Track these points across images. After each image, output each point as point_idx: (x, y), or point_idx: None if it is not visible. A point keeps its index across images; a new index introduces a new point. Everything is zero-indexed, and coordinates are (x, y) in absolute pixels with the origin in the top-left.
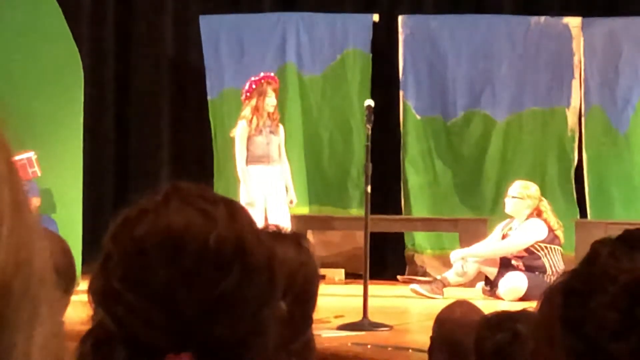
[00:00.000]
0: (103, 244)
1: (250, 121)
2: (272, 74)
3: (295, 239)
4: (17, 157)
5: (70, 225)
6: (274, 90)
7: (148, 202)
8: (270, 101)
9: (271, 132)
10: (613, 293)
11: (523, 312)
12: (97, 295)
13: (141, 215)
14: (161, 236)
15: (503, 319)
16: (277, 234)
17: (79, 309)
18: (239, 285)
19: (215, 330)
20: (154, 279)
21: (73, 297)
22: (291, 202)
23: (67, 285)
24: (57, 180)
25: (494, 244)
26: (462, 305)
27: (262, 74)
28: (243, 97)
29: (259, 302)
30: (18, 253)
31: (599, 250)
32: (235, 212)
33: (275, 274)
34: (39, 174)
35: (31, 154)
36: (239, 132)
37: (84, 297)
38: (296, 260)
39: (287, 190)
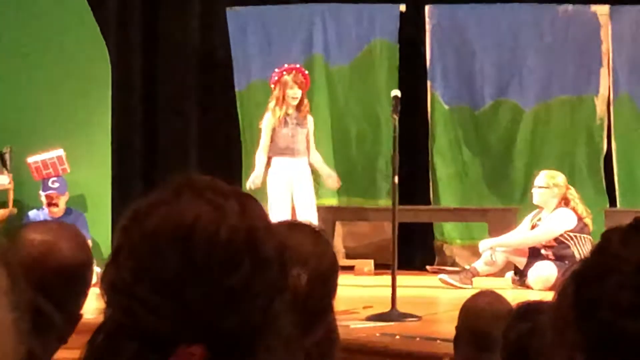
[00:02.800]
0: (114, 236)
1: (274, 111)
2: (298, 65)
3: (312, 228)
4: (47, 155)
5: (99, 220)
6: (296, 82)
7: (159, 195)
8: (292, 92)
9: (297, 124)
10: (625, 272)
11: (549, 303)
12: (109, 287)
13: (152, 208)
14: (172, 229)
15: (529, 309)
16: (293, 225)
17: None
18: (249, 277)
19: (226, 322)
20: (165, 272)
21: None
22: (338, 182)
23: (82, 278)
24: (86, 176)
25: (523, 234)
26: (487, 295)
27: (286, 65)
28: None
29: (270, 294)
30: None
31: (610, 238)
32: (246, 204)
33: (287, 267)
34: (69, 171)
35: (61, 152)
36: (264, 122)
37: None
38: (313, 250)
39: (326, 178)
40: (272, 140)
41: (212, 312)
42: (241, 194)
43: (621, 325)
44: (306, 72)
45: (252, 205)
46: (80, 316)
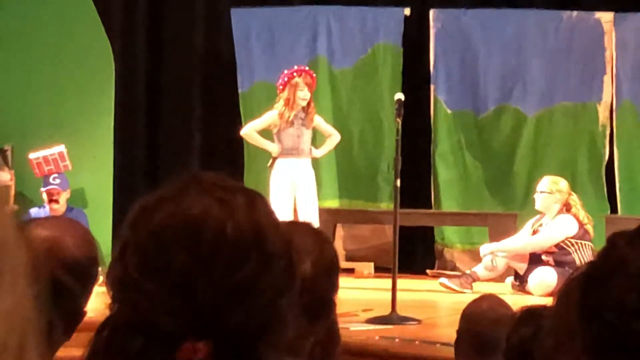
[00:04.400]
0: (121, 232)
1: (282, 114)
2: (306, 67)
3: (312, 227)
4: (49, 151)
5: (100, 218)
6: (307, 84)
7: (166, 191)
8: (302, 94)
9: (303, 125)
10: (632, 275)
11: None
12: (115, 283)
13: (159, 204)
14: (179, 224)
15: (532, 314)
16: (293, 224)
17: (103, 300)
18: (256, 273)
19: (232, 318)
20: (172, 267)
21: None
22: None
23: (88, 274)
24: (88, 173)
25: (525, 239)
26: (488, 299)
27: (295, 67)
28: (278, 90)
29: (276, 290)
30: None
31: (617, 241)
32: (253, 201)
33: (293, 263)
34: (70, 168)
35: (62, 148)
36: (267, 114)
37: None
38: (314, 245)
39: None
40: (279, 141)
41: (218, 308)
42: (248, 190)
43: (628, 327)
44: (314, 74)
45: (259, 201)
46: (84, 313)
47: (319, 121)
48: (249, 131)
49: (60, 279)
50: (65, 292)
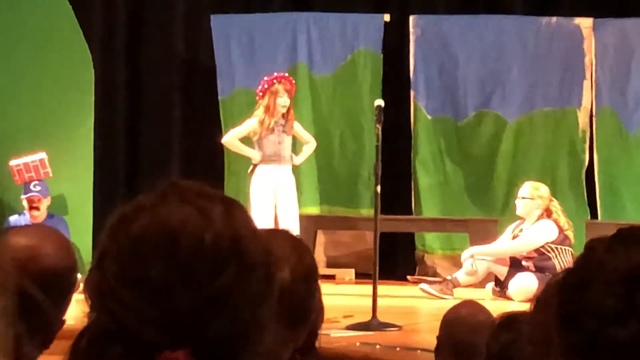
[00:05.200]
0: (99, 240)
1: (263, 121)
2: (286, 74)
3: (290, 234)
4: (29, 158)
5: (81, 225)
6: (287, 91)
7: (145, 199)
8: (282, 101)
9: (284, 131)
10: (610, 281)
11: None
12: (93, 292)
13: (137, 212)
14: (157, 233)
15: (512, 320)
16: (271, 231)
17: (83, 307)
18: (235, 282)
19: (211, 327)
20: (150, 276)
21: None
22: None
23: (66, 283)
24: (68, 180)
25: (505, 243)
26: (468, 305)
27: (275, 74)
28: (257, 97)
29: (255, 299)
30: None
31: (595, 247)
32: (232, 209)
33: (272, 272)
34: (51, 175)
35: (43, 155)
36: (247, 121)
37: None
38: (292, 251)
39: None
40: (260, 148)
41: (196, 317)
42: (227, 199)
43: (606, 333)
44: (293, 80)
45: (237, 210)
46: (63, 322)
47: (297, 128)
48: (230, 139)
49: (39, 289)
50: (43, 301)
